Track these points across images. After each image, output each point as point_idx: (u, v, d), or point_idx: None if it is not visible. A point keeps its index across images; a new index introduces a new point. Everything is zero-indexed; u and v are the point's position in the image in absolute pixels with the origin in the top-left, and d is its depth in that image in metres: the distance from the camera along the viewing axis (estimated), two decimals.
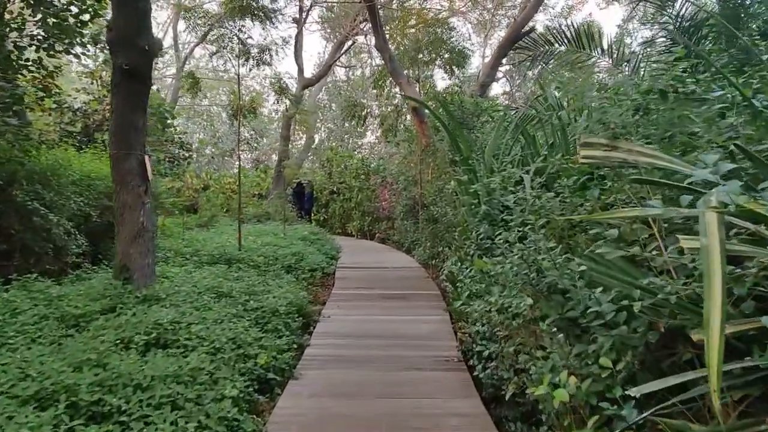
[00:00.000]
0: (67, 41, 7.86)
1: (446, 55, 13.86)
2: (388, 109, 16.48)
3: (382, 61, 17.32)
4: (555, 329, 2.72)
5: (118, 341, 4.29)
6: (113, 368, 3.61)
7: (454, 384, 4.56)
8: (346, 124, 26.17)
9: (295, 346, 5.39)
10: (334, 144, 25.74)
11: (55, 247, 6.76)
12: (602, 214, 2.93)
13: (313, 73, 19.02)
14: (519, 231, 3.47)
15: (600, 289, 2.53)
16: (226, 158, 29.22)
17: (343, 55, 21.03)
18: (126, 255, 5.82)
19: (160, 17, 24.79)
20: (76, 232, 7.16)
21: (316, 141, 27.61)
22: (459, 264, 4.86)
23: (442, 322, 6.67)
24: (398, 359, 5.18)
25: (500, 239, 3.61)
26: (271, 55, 13.91)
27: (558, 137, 4.85)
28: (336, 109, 25.88)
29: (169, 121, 13.87)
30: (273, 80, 15.80)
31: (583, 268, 2.64)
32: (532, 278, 2.88)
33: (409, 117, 18.26)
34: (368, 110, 16.99)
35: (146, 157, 5.82)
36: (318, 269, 9.95)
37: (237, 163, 9.91)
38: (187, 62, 22.88)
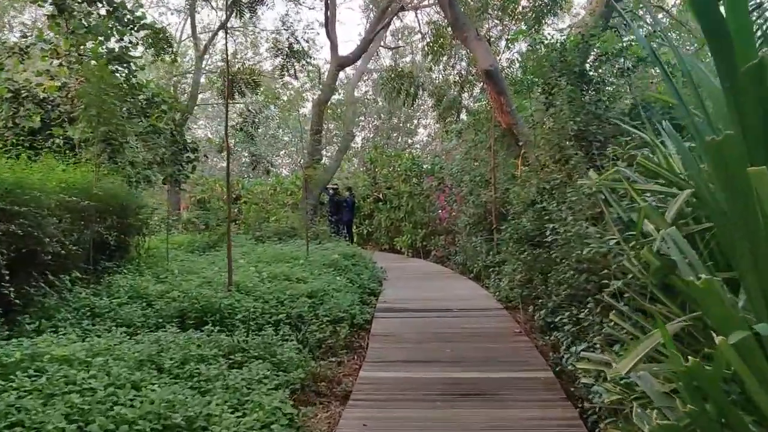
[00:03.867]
0: None
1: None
2: (450, 80, 12.64)
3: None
4: None
5: None
6: None
7: None
8: (394, 119, 22.52)
9: None
10: (379, 142, 22.11)
11: None
12: None
13: (351, 52, 15.50)
14: None
15: None
16: (266, 164, 26.26)
17: (390, 36, 17.52)
18: None
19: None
20: None
21: (359, 141, 24.03)
22: None
23: None
24: None
25: None
26: None
27: None
28: (381, 101, 22.28)
29: (166, 114, 10.75)
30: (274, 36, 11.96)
31: None
32: None
33: (469, 97, 14.44)
34: (419, 83, 13.24)
35: None
36: (346, 318, 6.40)
37: (228, 159, 6.41)
38: (207, 52, 19.85)
